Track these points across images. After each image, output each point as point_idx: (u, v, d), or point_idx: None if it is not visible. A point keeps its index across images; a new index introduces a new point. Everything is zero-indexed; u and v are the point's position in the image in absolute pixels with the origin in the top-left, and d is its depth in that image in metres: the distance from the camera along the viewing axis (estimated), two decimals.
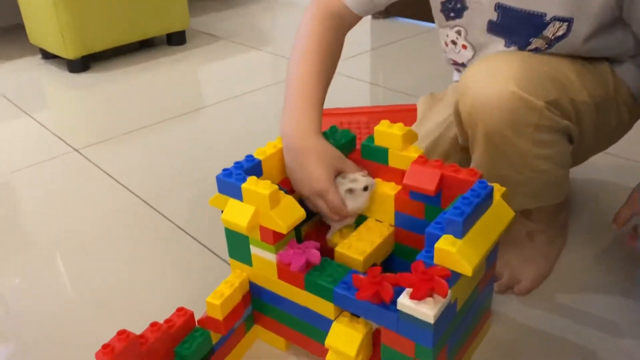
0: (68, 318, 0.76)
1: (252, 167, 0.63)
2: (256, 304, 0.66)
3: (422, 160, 0.62)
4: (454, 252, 0.50)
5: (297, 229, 0.66)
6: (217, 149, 1.17)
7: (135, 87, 1.56)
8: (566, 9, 0.63)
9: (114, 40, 1.68)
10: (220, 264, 0.83)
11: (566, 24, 0.64)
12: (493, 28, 0.69)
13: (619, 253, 0.80)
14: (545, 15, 0.64)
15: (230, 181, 0.60)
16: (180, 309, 0.59)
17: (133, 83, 1.58)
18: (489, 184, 0.56)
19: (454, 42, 0.75)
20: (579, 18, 0.63)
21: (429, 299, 0.50)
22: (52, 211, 1.00)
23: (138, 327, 0.56)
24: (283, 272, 0.60)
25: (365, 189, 0.64)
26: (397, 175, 0.66)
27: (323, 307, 0.59)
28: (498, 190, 0.59)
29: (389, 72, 1.58)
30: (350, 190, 0.64)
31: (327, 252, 0.67)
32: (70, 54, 1.60)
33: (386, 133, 0.64)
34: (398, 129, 0.64)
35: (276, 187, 0.57)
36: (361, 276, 0.55)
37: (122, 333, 0.53)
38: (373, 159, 0.67)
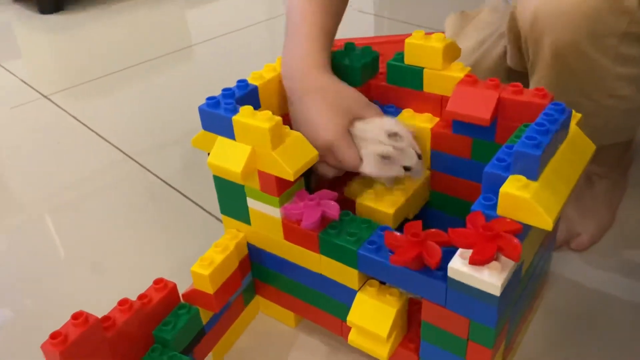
0: (58, 281, 0.63)
1: (245, 95, 0.48)
2: (257, 270, 0.53)
3: (472, 79, 0.47)
4: (528, 198, 0.36)
5: (306, 179, 0.52)
6: (206, 93, 1.02)
7: (113, 28, 1.38)
8: None
9: None
10: (214, 223, 0.69)
11: None
12: None
13: None
14: None
15: (218, 112, 0.45)
16: (158, 281, 0.46)
17: (111, 24, 1.40)
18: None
19: None
20: None
21: (494, 263, 0.37)
22: (31, 166, 0.85)
23: (114, 299, 0.43)
24: (291, 230, 0.47)
25: (408, 169, 0.48)
26: (434, 104, 0.51)
27: (344, 274, 0.45)
28: (574, 116, 0.44)
29: (396, 2, 1.40)
30: (384, 156, 0.47)
31: (347, 206, 0.53)
32: None
33: (421, 46, 0.49)
34: (437, 40, 0.48)
35: (278, 119, 0.43)
36: (397, 234, 0.41)
37: (78, 316, 0.40)
38: (403, 83, 0.52)
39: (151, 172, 0.80)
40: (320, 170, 0.51)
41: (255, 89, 0.49)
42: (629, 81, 0.50)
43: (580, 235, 0.60)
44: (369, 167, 0.48)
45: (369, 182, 0.53)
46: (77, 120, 0.95)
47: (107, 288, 0.61)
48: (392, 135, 0.47)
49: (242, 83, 0.49)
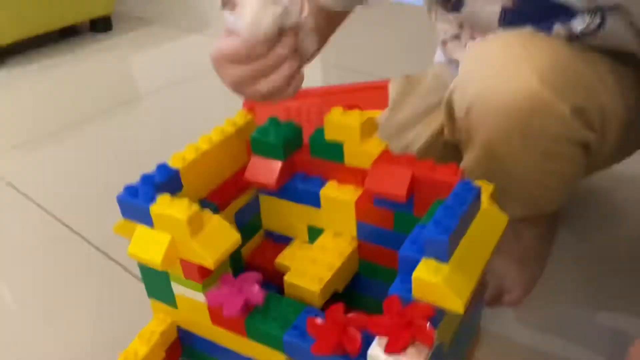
0: None
1: (167, 181, 0.48)
2: (189, 352, 0.52)
3: (388, 156, 0.48)
4: (439, 283, 0.37)
5: (236, 251, 0.51)
6: (148, 150, 1.01)
7: (55, 83, 1.36)
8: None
9: (28, 30, 1.47)
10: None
11: (600, 14, 0.49)
12: (509, 18, 0.53)
13: (623, 246, 0.69)
14: (574, 5, 0.49)
15: (136, 202, 0.44)
16: None
17: (53, 79, 1.38)
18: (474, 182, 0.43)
19: (456, 37, 0.60)
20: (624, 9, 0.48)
21: (411, 350, 0.37)
22: None
23: None
24: (217, 315, 0.46)
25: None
26: (356, 176, 0.52)
27: (272, 357, 0.45)
28: (486, 189, 0.46)
29: (345, 49, 1.43)
30: (233, 4, 0.42)
31: (277, 276, 0.53)
32: None
33: (340, 124, 0.50)
34: (354, 118, 0.50)
35: (196, 208, 0.43)
36: (318, 320, 0.41)
37: None
38: (325, 156, 0.53)
39: (84, 238, 0.78)
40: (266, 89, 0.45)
41: (176, 173, 0.49)
42: (556, 176, 0.52)
43: (511, 290, 0.62)
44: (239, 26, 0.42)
45: (299, 252, 0.53)
46: (8, 182, 0.93)
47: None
48: None
49: (162, 167, 0.48)
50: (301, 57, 0.46)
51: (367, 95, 1.00)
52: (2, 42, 1.43)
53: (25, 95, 1.32)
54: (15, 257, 0.77)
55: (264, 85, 0.45)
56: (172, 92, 1.24)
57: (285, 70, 0.44)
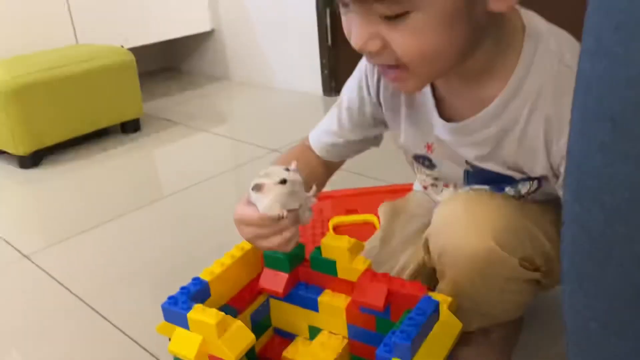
0: None
1: (199, 290, 0.62)
2: None
3: (370, 273, 0.62)
4: None
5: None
6: (176, 244, 1.16)
7: (89, 180, 1.54)
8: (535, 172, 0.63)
9: (65, 133, 1.67)
10: None
11: (536, 180, 0.64)
12: (471, 178, 0.68)
13: None
14: (514, 177, 0.65)
15: (176, 310, 0.58)
16: None
17: (87, 176, 1.56)
18: (435, 297, 0.57)
19: (434, 185, 0.75)
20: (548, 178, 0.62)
21: None
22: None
23: None
24: None
25: (284, 182, 0.54)
26: (347, 287, 0.66)
27: None
28: (444, 301, 0.59)
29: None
30: (258, 187, 0.55)
31: None
32: (20, 150, 1.58)
33: (333, 246, 0.65)
34: (345, 242, 0.64)
35: (222, 315, 0.56)
36: None
37: None
38: (322, 270, 0.67)
39: (120, 330, 0.91)
40: (270, 246, 0.60)
41: (206, 285, 0.63)
42: (512, 302, 0.66)
43: None
44: (258, 205, 0.56)
45: (302, 347, 0.66)
46: (49, 274, 1.07)
47: None
48: (264, 175, 0.56)
49: (196, 281, 0.63)
50: (300, 222, 0.61)
51: (363, 199, 1.16)
52: (42, 145, 1.62)
53: (61, 191, 1.49)
54: (56, 345, 0.90)
55: (268, 243, 0.60)
56: (196, 189, 1.40)
57: (286, 235, 0.58)
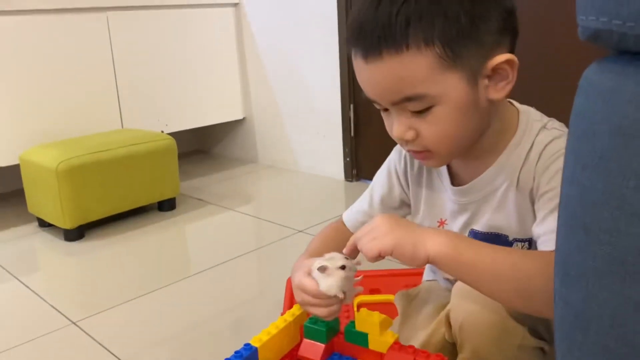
0: None
1: (249, 355, 0.72)
2: None
3: (397, 346, 0.72)
4: None
5: None
6: (206, 317, 1.25)
7: (127, 253, 1.66)
8: (521, 234, 0.74)
9: (109, 210, 1.81)
10: None
11: (527, 242, 0.74)
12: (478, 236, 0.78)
13: None
14: (508, 236, 0.75)
15: None
16: None
17: (126, 250, 1.68)
18: None
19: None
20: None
21: None
22: None
23: None
24: None
25: (343, 267, 0.68)
26: (377, 357, 0.75)
27: None
28: None
29: None
30: (323, 268, 0.68)
31: None
32: (67, 224, 1.72)
33: (365, 320, 0.75)
34: (376, 317, 0.74)
35: None
36: None
37: None
38: (355, 342, 0.77)
39: None
40: (317, 314, 0.73)
41: (255, 350, 0.73)
42: None
43: None
44: (320, 282, 0.69)
45: None
46: (95, 340, 1.16)
47: None
48: (329, 259, 0.70)
49: (247, 346, 0.73)
50: (345, 301, 0.73)
51: (384, 280, 1.26)
52: (87, 220, 1.76)
53: (102, 263, 1.61)
54: None
55: (316, 311, 0.73)
56: (224, 266, 1.51)
57: (332, 309, 0.71)
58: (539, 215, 0.68)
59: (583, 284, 0.40)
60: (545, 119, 0.73)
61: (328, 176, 2.28)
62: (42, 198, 1.79)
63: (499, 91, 0.66)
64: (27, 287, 1.46)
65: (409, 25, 0.61)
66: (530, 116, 0.73)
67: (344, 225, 0.90)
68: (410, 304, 0.90)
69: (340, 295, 0.69)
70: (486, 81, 0.65)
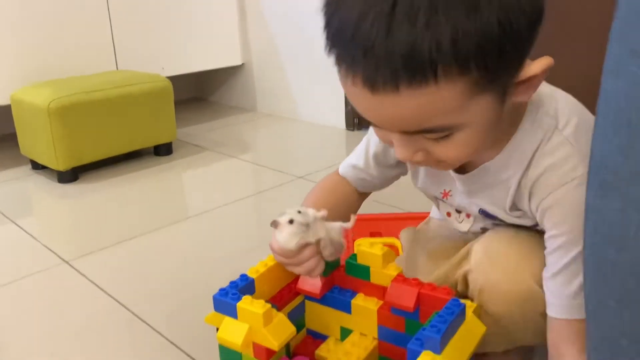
0: None
1: (246, 285, 0.68)
2: None
3: (401, 278, 0.68)
4: None
5: (286, 343, 0.70)
6: (201, 259, 1.22)
7: (122, 197, 1.62)
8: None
9: (103, 152, 1.76)
10: None
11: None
12: (486, 214, 0.72)
13: None
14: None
15: (227, 300, 0.65)
16: None
17: (120, 193, 1.64)
18: (462, 301, 0.63)
19: (457, 211, 0.77)
20: None
21: None
22: (33, 320, 1.01)
23: None
24: None
25: (291, 222, 0.64)
26: (379, 291, 0.71)
27: None
28: (470, 306, 0.65)
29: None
30: (275, 224, 0.65)
31: None
32: (60, 165, 1.67)
33: (368, 253, 0.71)
34: (378, 249, 0.70)
35: (269, 306, 0.63)
36: None
37: None
38: (356, 275, 0.73)
39: (155, 329, 0.97)
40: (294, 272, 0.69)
41: (252, 281, 0.69)
42: (542, 333, 0.68)
43: None
44: (277, 238, 0.65)
45: (334, 347, 0.72)
46: (88, 279, 1.13)
47: None
48: (280, 214, 0.65)
49: (244, 276, 0.69)
50: (324, 255, 0.68)
51: (386, 223, 1.22)
52: (81, 162, 1.72)
53: (96, 205, 1.57)
54: (92, 341, 0.96)
55: (295, 270, 0.69)
56: (220, 211, 1.48)
57: (308, 265, 0.67)
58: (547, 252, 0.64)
59: (623, 190, 0.35)
60: (561, 114, 0.62)
61: (329, 125, 2.22)
62: (34, 139, 1.73)
63: (527, 92, 0.56)
64: (20, 227, 1.42)
65: (440, 52, 0.46)
66: (542, 105, 0.62)
67: (341, 177, 0.83)
68: (417, 242, 0.86)
69: (296, 248, 0.65)
70: (517, 89, 0.55)
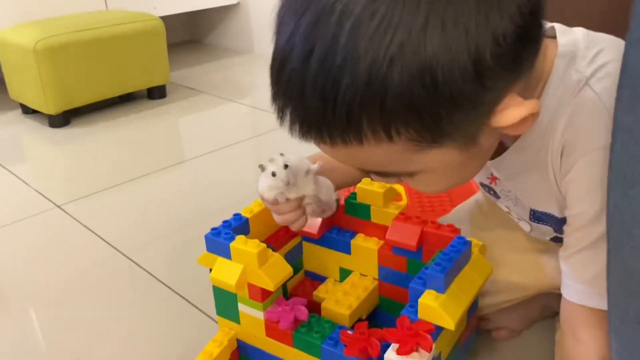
0: None
1: (239, 225, 0.65)
2: None
3: (403, 216, 0.65)
4: (436, 307, 0.52)
5: (283, 284, 0.67)
6: (197, 202, 1.19)
7: (116, 141, 1.57)
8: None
9: (95, 95, 1.70)
10: (205, 320, 0.83)
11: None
12: (536, 217, 0.64)
13: None
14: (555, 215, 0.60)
15: (219, 240, 0.61)
16: None
17: (114, 137, 1.60)
18: (468, 238, 0.59)
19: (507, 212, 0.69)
20: None
21: (415, 354, 0.52)
22: (29, 268, 0.99)
23: None
24: (271, 329, 0.62)
25: (274, 175, 0.59)
26: (379, 231, 0.68)
27: None
28: (476, 245, 0.61)
29: None
30: (262, 167, 0.61)
31: (314, 306, 0.68)
32: (51, 109, 1.62)
33: (368, 190, 0.67)
34: (379, 187, 0.67)
35: (264, 245, 0.59)
36: (348, 332, 0.57)
37: None
38: (356, 215, 0.70)
39: (150, 273, 0.95)
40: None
41: (246, 220, 0.66)
42: None
43: (500, 329, 0.76)
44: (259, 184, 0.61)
45: (332, 287, 0.69)
46: (81, 223, 1.10)
47: None
48: (270, 160, 0.60)
49: (237, 216, 0.66)
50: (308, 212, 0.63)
51: None
52: (72, 105, 1.66)
53: (88, 150, 1.53)
54: (84, 286, 0.94)
55: (277, 220, 0.64)
56: (216, 154, 1.43)
57: (286, 218, 0.63)
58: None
59: None
60: (596, 64, 0.49)
61: None
62: (22, 82, 1.67)
63: (514, 130, 0.45)
64: (11, 172, 1.38)
65: (361, 117, 0.40)
66: (574, 58, 0.50)
67: None
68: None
69: (273, 201, 0.61)
70: (495, 131, 0.45)
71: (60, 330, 0.84)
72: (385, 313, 0.70)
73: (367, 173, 0.52)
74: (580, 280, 0.55)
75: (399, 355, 0.52)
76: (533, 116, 0.44)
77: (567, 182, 0.53)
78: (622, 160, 0.34)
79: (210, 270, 0.62)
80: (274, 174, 0.59)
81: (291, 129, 0.45)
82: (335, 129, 0.42)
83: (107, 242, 1.05)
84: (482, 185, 0.67)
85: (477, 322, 0.68)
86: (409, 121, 0.41)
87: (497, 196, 0.66)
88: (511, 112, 0.43)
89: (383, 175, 0.50)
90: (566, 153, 0.51)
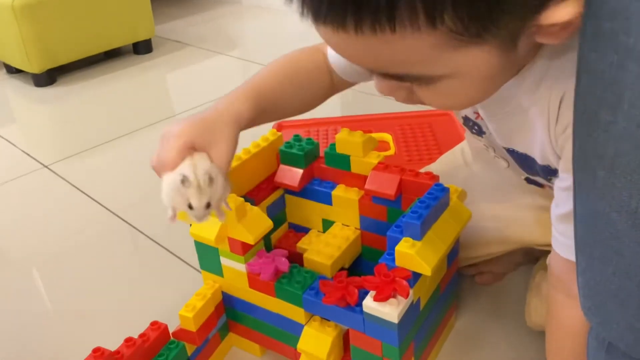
0: (41, 334, 0.76)
1: None
2: (230, 313, 0.68)
3: (382, 166, 0.64)
4: (412, 254, 0.53)
5: (266, 237, 0.68)
6: None
7: (103, 98, 1.55)
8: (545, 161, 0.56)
9: (79, 52, 1.67)
10: (194, 274, 0.84)
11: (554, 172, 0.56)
12: (514, 156, 0.61)
13: None
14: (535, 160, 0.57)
15: None
16: (154, 323, 0.61)
17: (101, 94, 1.57)
18: (446, 185, 0.59)
19: (486, 148, 0.67)
20: None
21: (392, 300, 0.53)
22: (23, 227, 1.00)
23: (114, 342, 0.58)
24: (253, 281, 0.62)
25: (183, 181, 0.52)
26: (359, 181, 0.68)
27: (294, 312, 0.61)
28: (455, 191, 0.61)
29: None
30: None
31: (297, 258, 0.69)
32: (34, 67, 1.59)
33: (347, 141, 0.67)
34: (358, 137, 0.66)
35: (242, 200, 0.59)
36: (328, 281, 0.57)
37: (97, 350, 0.55)
38: (336, 165, 0.69)
39: (139, 230, 0.95)
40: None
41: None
42: None
43: (484, 273, 0.77)
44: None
45: (315, 239, 0.70)
46: (70, 183, 1.10)
47: (113, 329, 0.75)
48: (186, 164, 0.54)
49: None
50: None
51: (378, 123, 1.16)
52: (56, 63, 1.63)
53: (75, 108, 1.51)
54: (77, 245, 0.95)
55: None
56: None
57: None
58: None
59: (623, 39, 0.29)
60: None
61: None
62: (3, 40, 1.63)
63: (556, 36, 0.41)
64: None
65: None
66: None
67: (327, 60, 0.65)
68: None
69: (169, 213, 0.56)
70: (538, 32, 0.41)
71: (58, 286, 0.85)
72: (368, 262, 0.71)
73: (374, 75, 0.46)
74: (571, 235, 0.54)
75: (376, 302, 0.53)
76: (576, 20, 0.39)
77: (567, 137, 0.49)
78: (586, 101, 0.33)
79: (190, 225, 0.63)
80: (184, 180, 0.53)
81: (305, 6, 0.39)
82: (366, 9, 0.36)
83: (96, 201, 1.05)
84: (467, 120, 0.63)
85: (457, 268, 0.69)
86: (458, 6, 0.37)
87: (480, 132, 0.64)
88: (560, 9, 0.39)
89: (397, 78, 0.44)
90: (565, 105, 0.48)
